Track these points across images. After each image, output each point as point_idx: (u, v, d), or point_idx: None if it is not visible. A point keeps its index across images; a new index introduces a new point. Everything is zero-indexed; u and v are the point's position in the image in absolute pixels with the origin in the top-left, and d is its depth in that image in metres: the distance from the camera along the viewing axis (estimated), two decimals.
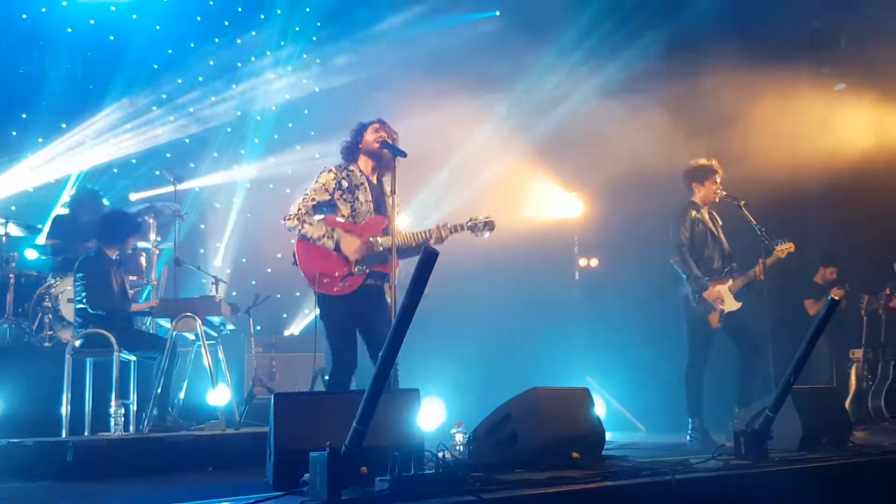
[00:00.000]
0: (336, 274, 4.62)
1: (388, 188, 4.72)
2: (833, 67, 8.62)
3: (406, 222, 5.70)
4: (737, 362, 6.02)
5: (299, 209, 4.65)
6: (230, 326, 6.59)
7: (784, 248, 6.00)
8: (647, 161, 7.83)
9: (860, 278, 7.93)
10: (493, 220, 4.79)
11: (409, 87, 8.85)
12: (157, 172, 8.92)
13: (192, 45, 9.79)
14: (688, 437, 5.87)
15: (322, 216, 4.73)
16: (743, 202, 6.05)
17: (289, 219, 4.65)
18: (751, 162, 7.71)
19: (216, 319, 6.16)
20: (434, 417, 6.22)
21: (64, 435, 5.21)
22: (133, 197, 8.92)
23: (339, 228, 4.65)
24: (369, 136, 4.78)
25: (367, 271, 4.63)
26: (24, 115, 8.74)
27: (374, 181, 4.85)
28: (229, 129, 10.03)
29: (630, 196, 8.40)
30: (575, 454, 3.74)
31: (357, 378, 4.64)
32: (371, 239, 4.66)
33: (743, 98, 8.07)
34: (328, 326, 4.68)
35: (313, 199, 4.68)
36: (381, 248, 4.64)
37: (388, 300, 4.58)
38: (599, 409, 6.28)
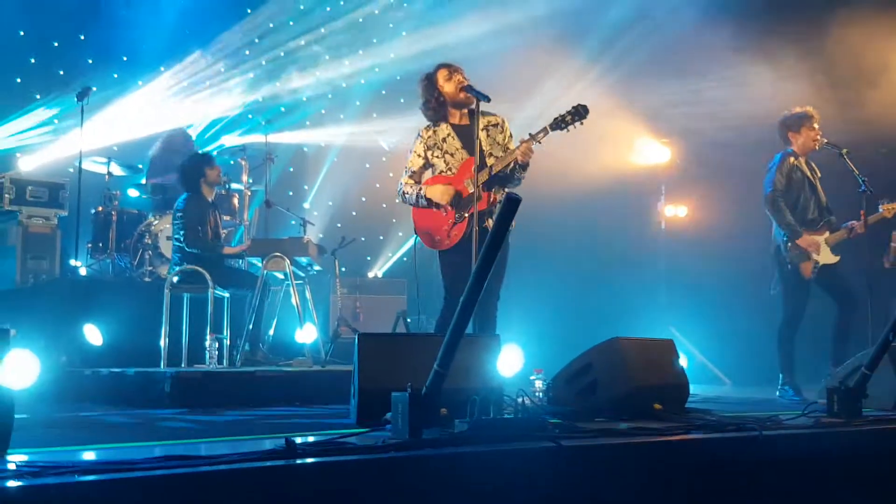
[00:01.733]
0: (443, 228, 4.64)
1: (483, 121, 4.62)
2: None
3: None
4: (832, 318, 5.81)
5: (401, 183, 4.78)
6: (317, 267, 6.76)
7: (891, 208, 5.76)
8: (752, 111, 7.51)
9: None
10: (583, 105, 4.44)
11: (485, 17, 8.70)
12: (250, 116, 9.12)
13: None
14: (777, 393, 5.74)
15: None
16: (845, 150, 5.77)
17: (399, 195, 4.80)
18: (866, 113, 7.30)
19: (304, 260, 6.34)
20: (513, 364, 6.24)
21: (162, 366, 5.48)
22: (226, 141, 9.15)
23: (424, 184, 4.67)
24: (448, 88, 4.67)
25: (467, 215, 4.59)
26: (124, 58, 9.01)
27: (462, 122, 4.78)
28: (317, 73, 10.11)
29: (728, 145, 8.08)
30: (657, 406, 3.70)
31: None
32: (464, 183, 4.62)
33: (867, 50, 7.60)
34: (446, 281, 4.70)
35: (410, 171, 4.77)
36: (471, 189, 4.57)
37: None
38: (682, 361, 6.18)
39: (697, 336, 8.42)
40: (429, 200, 4.64)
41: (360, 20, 10.40)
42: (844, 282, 5.82)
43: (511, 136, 4.80)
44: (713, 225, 8.70)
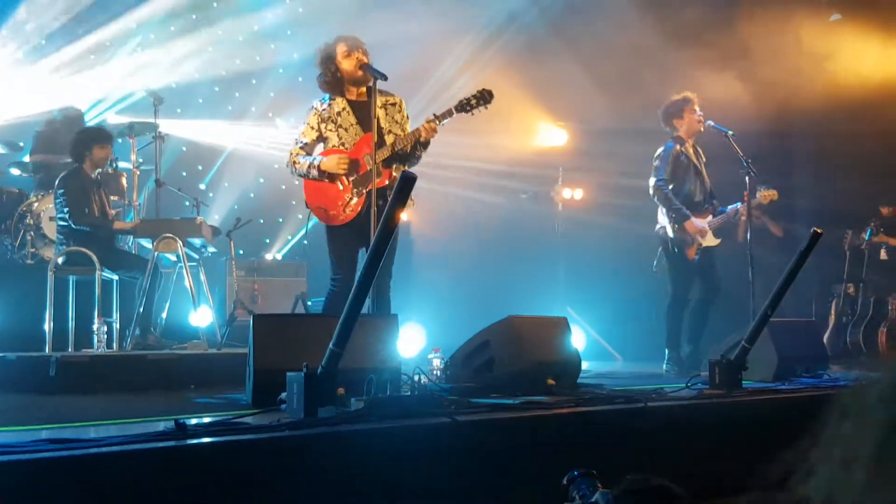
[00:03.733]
0: (338, 203, 4.58)
1: (380, 99, 4.61)
2: None
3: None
4: (693, 300, 6.08)
5: (291, 153, 4.70)
6: (211, 249, 6.59)
7: (767, 195, 6.02)
8: (644, 92, 7.75)
9: (845, 213, 7.95)
10: (488, 90, 4.51)
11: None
12: (137, 93, 8.77)
13: None
14: (664, 368, 5.99)
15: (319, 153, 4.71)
16: (731, 133, 6.02)
17: (287, 165, 4.73)
18: (746, 92, 7.65)
19: (197, 241, 6.16)
20: (414, 343, 6.29)
21: (47, 350, 5.25)
22: (112, 118, 8.78)
23: (319, 155, 4.60)
24: (346, 65, 4.62)
25: (364, 192, 4.56)
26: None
27: (359, 98, 4.74)
28: (210, 49, 9.84)
29: (622, 128, 8.33)
30: (550, 381, 3.82)
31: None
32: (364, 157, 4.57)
33: (742, 27, 7.94)
34: (333, 255, 4.65)
35: (302, 141, 4.69)
36: (371, 165, 4.55)
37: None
38: (578, 339, 6.37)
39: (593, 315, 8.69)
40: (321, 172, 4.55)
41: None
42: (715, 266, 6.11)
43: (408, 117, 4.80)
44: (608, 207, 8.97)
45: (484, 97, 4.49)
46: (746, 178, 5.96)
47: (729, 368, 4.02)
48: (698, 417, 3.50)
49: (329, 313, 4.58)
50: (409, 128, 4.71)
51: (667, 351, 6.03)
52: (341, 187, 4.59)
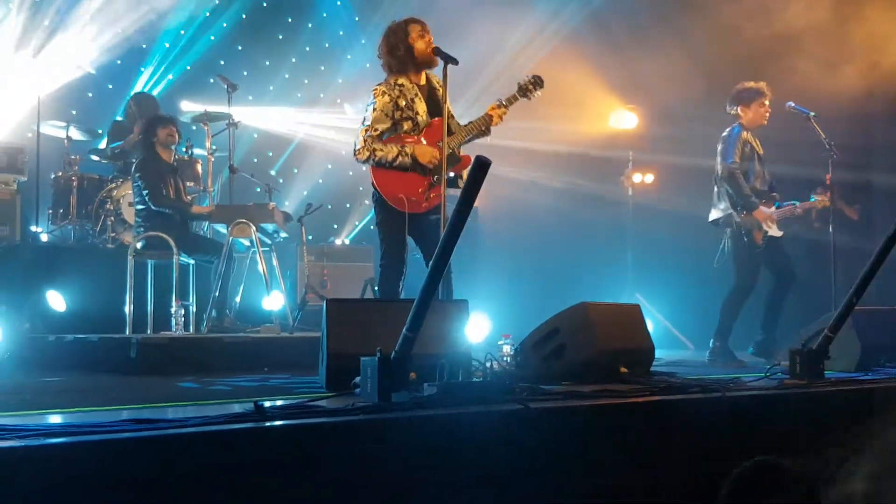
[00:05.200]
0: (420, 190, 4.55)
1: (434, 81, 4.66)
2: None
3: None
4: (768, 287, 5.91)
5: (365, 142, 4.52)
6: (283, 234, 6.70)
7: (820, 201, 6.01)
8: (716, 74, 7.54)
9: None
10: (539, 76, 4.72)
11: None
12: (212, 80, 8.93)
13: None
14: (707, 357, 5.83)
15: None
16: (812, 114, 5.83)
17: (359, 153, 4.55)
18: (823, 75, 7.39)
19: (270, 227, 6.27)
20: (480, 330, 6.28)
21: (128, 332, 5.42)
22: (185, 105, 8.97)
23: (408, 143, 4.56)
24: (420, 45, 4.57)
25: (446, 177, 4.48)
26: None
27: (423, 82, 4.71)
28: (280, 37, 9.96)
29: (694, 111, 8.11)
30: (623, 369, 3.75)
31: (409, 287, 4.65)
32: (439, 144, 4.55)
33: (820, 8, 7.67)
34: (385, 233, 4.62)
35: (376, 130, 4.54)
36: (450, 150, 4.52)
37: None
38: (648, 327, 6.25)
39: (662, 301, 8.52)
40: (413, 159, 4.50)
41: None
42: (787, 256, 5.94)
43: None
44: (679, 192, 8.76)
45: (537, 82, 4.70)
46: (829, 161, 5.77)
47: (811, 358, 3.88)
48: (778, 409, 3.38)
49: (384, 289, 4.60)
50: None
51: (712, 340, 5.85)
52: (422, 174, 4.56)
